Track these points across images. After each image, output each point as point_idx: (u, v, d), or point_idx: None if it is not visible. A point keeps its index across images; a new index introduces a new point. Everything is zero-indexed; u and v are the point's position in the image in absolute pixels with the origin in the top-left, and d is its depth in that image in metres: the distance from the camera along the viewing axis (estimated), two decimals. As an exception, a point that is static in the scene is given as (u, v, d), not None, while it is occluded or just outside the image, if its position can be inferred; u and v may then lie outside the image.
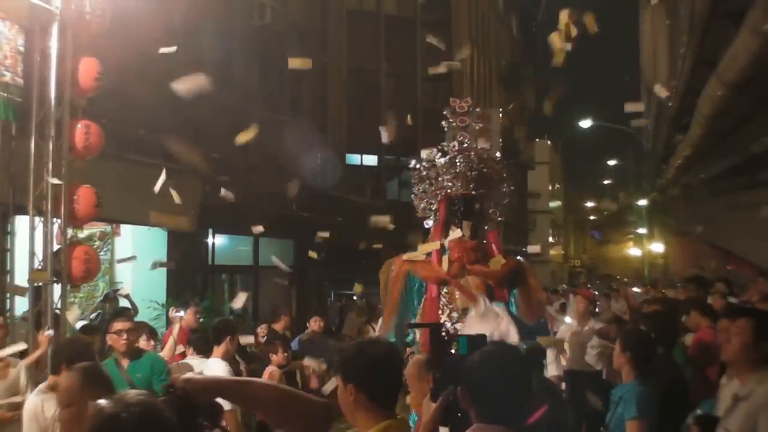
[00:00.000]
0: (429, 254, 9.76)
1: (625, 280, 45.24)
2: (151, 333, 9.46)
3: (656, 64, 30.52)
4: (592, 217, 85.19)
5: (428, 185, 10.05)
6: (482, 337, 5.34)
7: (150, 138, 13.81)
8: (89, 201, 10.30)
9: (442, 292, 9.57)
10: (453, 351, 5.34)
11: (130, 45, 10.70)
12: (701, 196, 26.45)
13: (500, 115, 35.44)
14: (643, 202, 52.63)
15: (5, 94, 9.97)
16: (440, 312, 9.47)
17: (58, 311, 10.36)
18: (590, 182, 78.99)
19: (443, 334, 7.69)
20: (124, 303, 13.24)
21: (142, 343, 9.04)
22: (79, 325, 11.57)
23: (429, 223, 10.18)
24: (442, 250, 9.67)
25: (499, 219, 10.34)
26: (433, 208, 10.07)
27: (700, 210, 27.92)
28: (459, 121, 10.26)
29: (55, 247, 10.37)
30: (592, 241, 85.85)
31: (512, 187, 10.44)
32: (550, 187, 64.94)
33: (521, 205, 45.60)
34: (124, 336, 8.26)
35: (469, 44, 33.54)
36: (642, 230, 57.95)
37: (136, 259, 13.05)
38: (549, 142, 63.41)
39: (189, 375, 3.13)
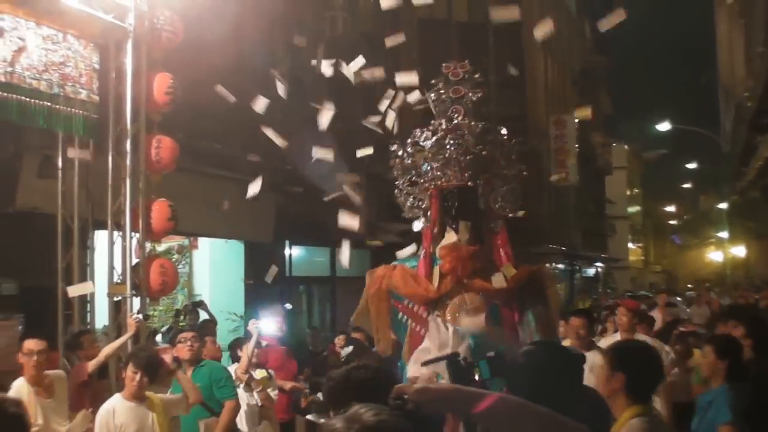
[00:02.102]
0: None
1: (707, 285, 44.49)
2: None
3: (733, 65, 30.07)
4: (671, 222, 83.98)
5: (415, 176, 8.13)
6: (499, 355, 5.17)
7: (225, 151, 13.92)
8: (164, 215, 10.38)
9: (432, 315, 7.40)
10: (477, 378, 5.14)
11: (203, 59, 10.79)
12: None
13: (575, 120, 35.12)
14: (723, 206, 51.81)
15: (82, 112, 10.10)
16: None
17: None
18: (669, 186, 77.83)
19: (461, 361, 6.34)
20: (204, 315, 13.36)
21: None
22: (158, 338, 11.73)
23: (418, 226, 8.18)
24: (432, 260, 7.70)
25: (510, 215, 8.11)
26: (423, 206, 8.11)
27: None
28: (452, 92, 8.13)
29: (134, 261, 10.48)
30: (672, 246, 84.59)
31: (524, 172, 8.20)
32: (628, 192, 64.14)
33: (599, 211, 45.01)
34: (188, 344, 8.32)
35: (540, 47, 33.34)
36: (723, 234, 57.08)
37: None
38: (626, 147, 62.65)
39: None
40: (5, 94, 8.98)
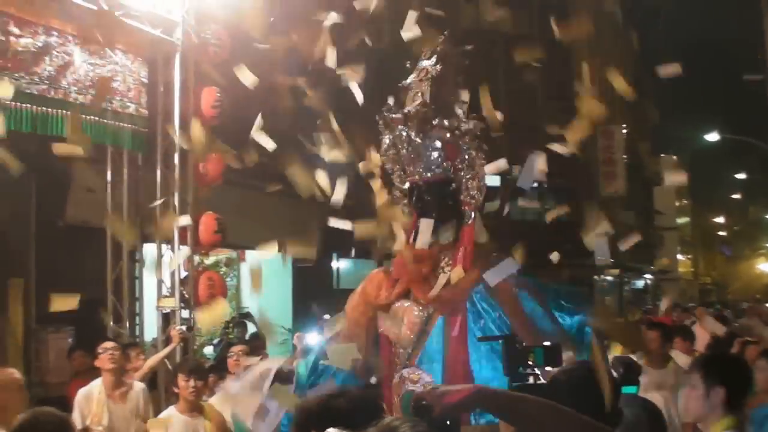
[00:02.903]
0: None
1: (758, 296, 43.95)
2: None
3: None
4: (721, 233, 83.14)
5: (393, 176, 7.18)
6: (556, 346, 4.98)
7: (272, 165, 13.88)
8: (211, 228, 10.39)
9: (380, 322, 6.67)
10: (530, 363, 4.92)
11: (256, 71, 10.77)
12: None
13: (623, 131, 34.88)
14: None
15: (130, 125, 10.13)
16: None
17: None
18: (719, 197, 77.08)
19: (517, 345, 5.76)
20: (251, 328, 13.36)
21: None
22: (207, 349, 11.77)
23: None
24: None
25: (473, 209, 6.89)
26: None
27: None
28: (421, 74, 7.03)
29: (182, 273, 10.49)
30: (721, 257, 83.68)
31: (483, 160, 6.90)
32: (677, 203, 63.63)
33: (647, 222, 44.66)
34: (234, 358, 8.30)
35: (586, 57, 33.10)
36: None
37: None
38: (674, 157, 62.14)
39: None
40: (52, 109, 9.02)
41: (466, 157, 6.97)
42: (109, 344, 8.48)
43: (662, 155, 57.63)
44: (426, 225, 6.58)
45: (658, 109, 56.23)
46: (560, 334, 6.62)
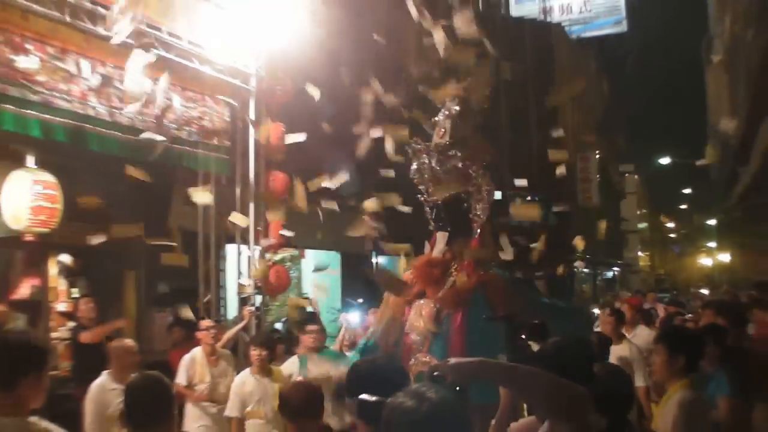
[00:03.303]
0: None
1: (699, 284, 44.08)
2: None
3: (721, 110, 29.56)
4: (672, 235, 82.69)
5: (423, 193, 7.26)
6: (543, 324, 4.89)
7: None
8: (278, 232, 10.39)
9: (409, 316, 6.77)
10: (523, 336, 4.80)
11: (311, 110, 10.72)
12: (760, 216, 25.39)
13: (597, 156, 34.65)
14: (712, 222, 50.92)
15: (216, 154, 10.15)
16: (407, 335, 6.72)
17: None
18: (670, 207, 76.77)
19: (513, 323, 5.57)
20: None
21: None
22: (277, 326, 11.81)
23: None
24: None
25: (479, 226, 6.94)
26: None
27: (760, 227, 26.80)
28: (445, 110, 7.11)
29: (256, 267, 10.49)
30: (672, 254, 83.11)
31: (488, 186, 6.95)
32: (638, 212, 63.31)
33: (616, 227, 44.36)
34: (313, 336, 8.27)
35: (569, 100, 33.07)
36: (712, 244, 56.22)
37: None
38: (636, 177, 61.75)
39: (456, 359, 2.72)
40: (161, 141, 9.07)
41: (475, 183, 7.00)
42: (208, 322, 8.57)
43: (627, 174, 57.27)
44: (441, 237, 6.77)
45: (624, 138, 55.93)
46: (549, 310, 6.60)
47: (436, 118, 7.26)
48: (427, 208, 7.20)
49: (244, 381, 7.56)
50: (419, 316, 6.50)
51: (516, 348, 4.87)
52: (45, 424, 3.44)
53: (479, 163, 7.04)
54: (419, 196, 7.24)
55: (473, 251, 6.75)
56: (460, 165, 6.91)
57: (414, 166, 7.10)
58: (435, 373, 2.64)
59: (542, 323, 5.13)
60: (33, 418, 3.41)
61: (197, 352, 8.37)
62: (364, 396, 2.66)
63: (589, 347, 3.94)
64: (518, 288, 6.90)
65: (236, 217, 10.04)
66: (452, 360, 2.68)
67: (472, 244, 6.82)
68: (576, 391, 2.73)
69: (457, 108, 7.12)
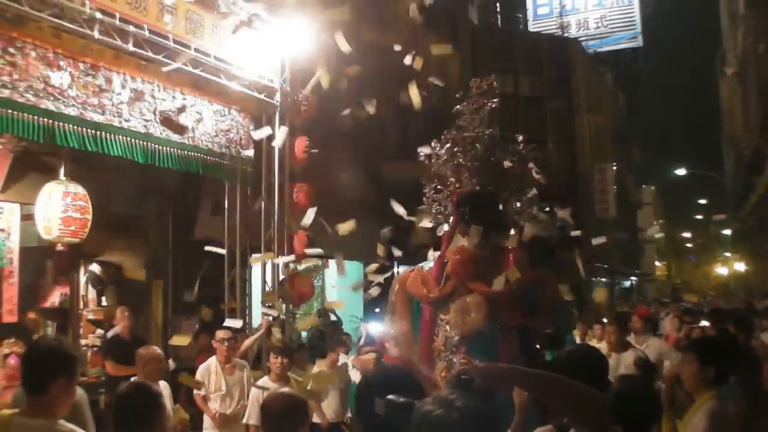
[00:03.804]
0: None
1: (713, 293, 43.68)
2: None
3: (734, 122, 29.41)
4: (688, 245, 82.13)
5: (439, 184, 6.86)
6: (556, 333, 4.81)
7: (349, 195, 13.87)
8: (302, 243, 10.37)
9: (440, 315, 6.20)
10: (538, 346, 4.69)
11: (335, 126, 10.75)
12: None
13: (613, 168, 34.49)
14: (727, 232, 50.55)
15: (242, 166, 10.19)
16: (435, 338, 6.19)
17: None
18: (686, 217, 76.38)
19: (529, 334, 5.48)
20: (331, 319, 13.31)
21: None
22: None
23: (441, 231, 6.92)
24: (443, 263, 6.43)
25: (523, 222, 6.52)
26: (446, 212, 6.84)
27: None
28: (473, 103, 6.78)
29: (281, 277, 10.49)
30: (689, 263, 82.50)
31: (539, 177, 6.61)
32: (654, 223, 62.96)
33: (633, 237, 44.10)
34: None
35: (586, 112, 33.03)
36: (727, 254, 55.84)
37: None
38: (652, 188, 61.41)
39: (485, 364, 2.77)
40: (189, 153, 9.17)
41: (517, 183, 6.68)
42: (222, 333, 8.53)
43: (643, 186, 56.97)
44: (475, 230, 6.24)
45: (640, 150, 55.66)
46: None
47: (460, 107, 6.91)
48: (451, 202, 6.71)
49: (263, 387, 7.57)
50: (465, 314, 5.95)
51: (531, 356, 4.84)
52: (72, 426, 3.53)
53: (525, 160, 6.69)
54: (439, 188, 6.80)
55: (517, 245, 6.26)
56: (506, 162, 6.55)
57: (444, 151, 6.65)
58: (464, 377, 2.61)
59: (556, 333, 5.09)
60: (61, 421, 3.50)
61: (212, 361, 8.39)
62: (391, 396, 2.62)
63: (603, 356, 3.91)
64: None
65: (262, 257, 10.05)
66: (481, 364, 2.66)
67: (514, 237, 6.30)
68: (603, 401, 2.72)
69: (495, 101, 6.84)
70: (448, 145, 6.69)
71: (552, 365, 3.66)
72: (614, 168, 35.06)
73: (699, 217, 74.04)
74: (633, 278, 50.14)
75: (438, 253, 6.73)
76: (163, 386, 6.92)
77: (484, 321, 5.86)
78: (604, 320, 11.60)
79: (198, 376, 8.20)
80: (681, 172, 44.44)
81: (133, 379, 4.17)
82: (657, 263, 64.47)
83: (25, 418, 3.48)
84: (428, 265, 6.78)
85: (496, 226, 6.34)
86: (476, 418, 2.19)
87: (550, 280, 6.22)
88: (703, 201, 65.99)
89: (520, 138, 6.81)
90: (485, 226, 6.24)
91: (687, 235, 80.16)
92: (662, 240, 68.75)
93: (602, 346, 8.05)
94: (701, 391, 4.64)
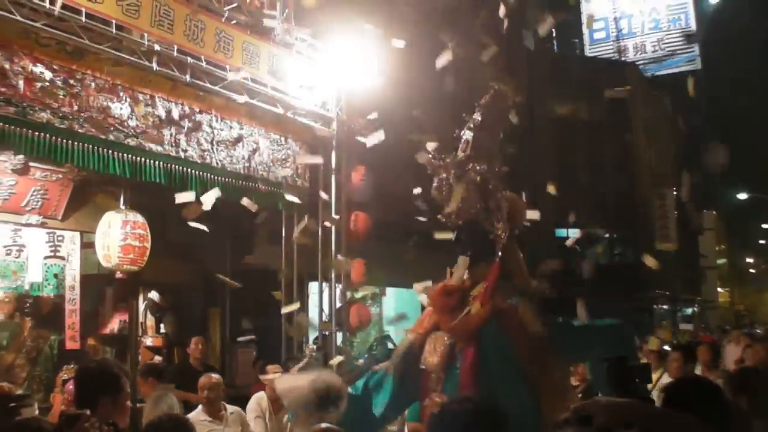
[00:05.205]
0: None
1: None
2: None
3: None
4: (751, 270, 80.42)
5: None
6: (647, 366, 4.56)
7: (406, 223, 13.75)
8: (359, 270, 10.29)
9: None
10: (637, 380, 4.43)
11: (391, 155, 10.66)
12: None
13: (674, 192, 33.83)
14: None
15: (299, 195, 10.13)
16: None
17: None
18: (749, 242, 74.86)
19: (624, 367, 4.98)
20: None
21: None
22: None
23: None
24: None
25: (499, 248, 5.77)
26: None
27: None
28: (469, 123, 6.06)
29: (338, 305, 10.41)
30: (752, 289, 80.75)
31: (507, 204, 5.81)
32: (716, 248, 61.67)
33: (694, 263, 43.21)
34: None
35: (643, 136, 32.59)
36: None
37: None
38: (714, 213, 60.26)
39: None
40: (247, 183, 9.22)
41: (494, 199, 5.85)
42: (275, 368, 8.32)
43: (704, 211, 55.92)
44: (462, 262, 5.72)
45: (700, 174, 54.70)
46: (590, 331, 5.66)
47: (462, 132, 6.13)
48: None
49: None
50: (434, 351, 5.52)
51: (631, 391, 4.56)
52: None
53: (497, 176, 5.95)
54: (439, 216, 6.08)
55: (492, 277, 5.65)
56: (479, 179, 5.83)
57: (435, 182, 6.00)
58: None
59: (647, 365, 4.83)
60: None
61: (262, 397, 8.09)
62: None
63: (712, 384, 3.62)
64: (544, 315, 5.77)
65: (339, 264, 9.98)
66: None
67: (491, 269, 5.68)
68: None
69: (479, 117, 6.05)
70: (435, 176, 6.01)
71: (666, 401, 3.39)
72: (674, 193, 34.44)
73: (762, 242, 72.64)
74: (695, 306, 49.12)
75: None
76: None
77: (443, 359, 5.40)
78: (666, 347, 11.12)
79: (249, 413, 7.87)
80: (743, 196, 43.53)
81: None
82: (719, 290, 63.06)
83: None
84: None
85: (482, 256, 5.72)
86: None
87: (509, 312, 5.42)
88: (766, 226, 64.72)
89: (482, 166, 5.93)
90: (472, 257, 5.70)
91: (750, 260, 78.69)
92: (724, 266, 67.39)
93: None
94: None
